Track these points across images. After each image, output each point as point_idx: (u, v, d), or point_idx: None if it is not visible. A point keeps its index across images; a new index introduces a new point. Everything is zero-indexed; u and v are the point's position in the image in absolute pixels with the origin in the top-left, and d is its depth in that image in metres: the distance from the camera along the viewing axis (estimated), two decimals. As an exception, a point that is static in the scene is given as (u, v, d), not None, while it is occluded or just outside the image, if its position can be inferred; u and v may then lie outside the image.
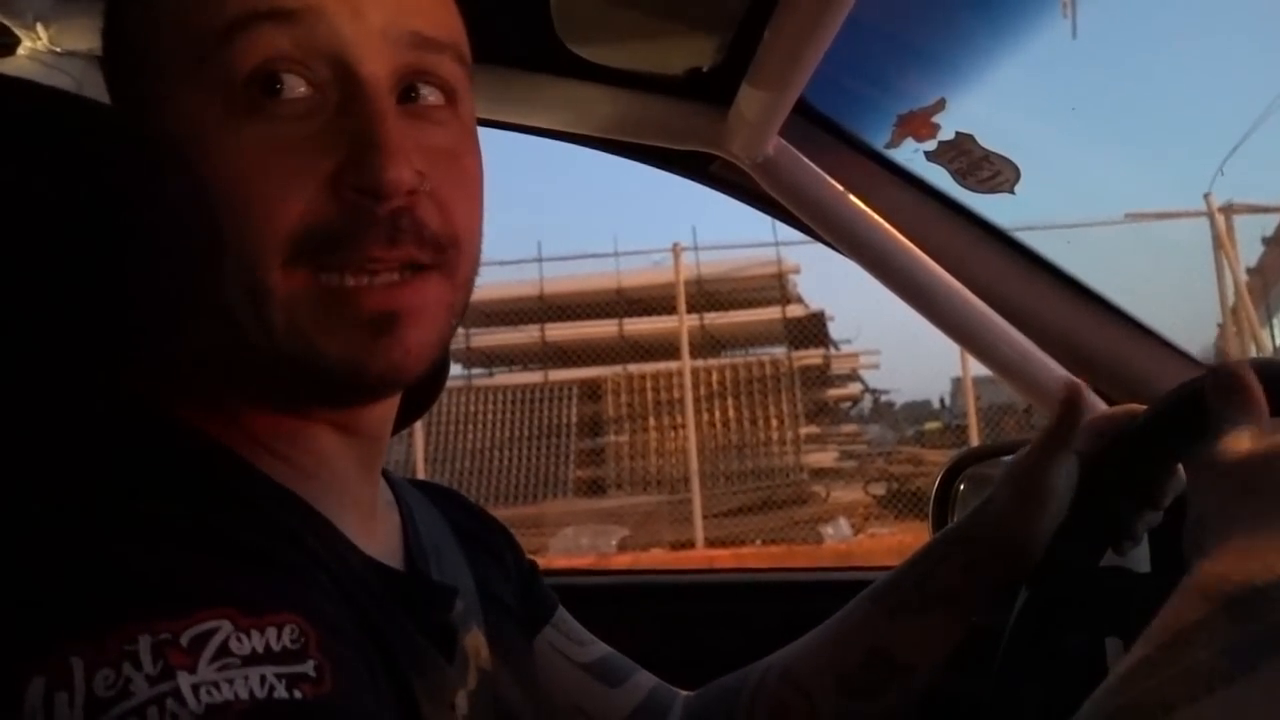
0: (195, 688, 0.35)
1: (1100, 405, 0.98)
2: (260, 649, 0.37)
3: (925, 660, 0.74)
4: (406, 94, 0.51)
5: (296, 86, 0.48)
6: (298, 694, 0.37)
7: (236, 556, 0.41)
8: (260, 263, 0.48)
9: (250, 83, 0.48)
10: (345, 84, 0.49)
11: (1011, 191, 0.95)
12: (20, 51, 0.92)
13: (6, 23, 0.89)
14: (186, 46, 0.49)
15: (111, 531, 0.40)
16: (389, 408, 0.59)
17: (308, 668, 0.38)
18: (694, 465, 8.55)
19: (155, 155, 0.46)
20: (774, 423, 9.59)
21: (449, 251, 0.52)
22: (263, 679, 0.37)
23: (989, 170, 0.94)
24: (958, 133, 0.94)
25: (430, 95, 0.52)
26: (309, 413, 0.54)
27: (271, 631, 0.38)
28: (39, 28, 0.89)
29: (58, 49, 0.90)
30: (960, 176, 0.96)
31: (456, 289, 0.53)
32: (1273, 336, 7.40)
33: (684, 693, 0.83)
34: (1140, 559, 0.77)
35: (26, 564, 0.39)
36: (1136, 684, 0.38)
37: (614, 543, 8.21)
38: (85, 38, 0.89)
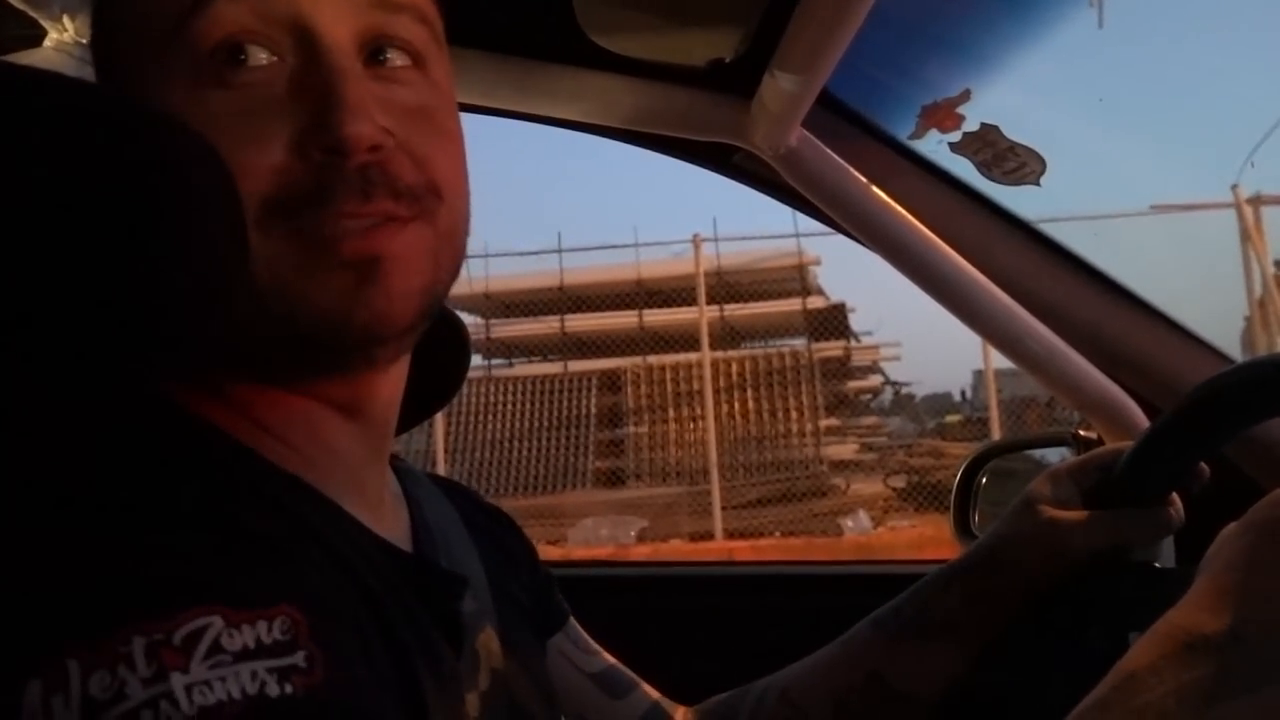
0: (189, 688, 0.36)
1: (1125, 400, 0.98)
2: (251, 644, 0.38)
3: (923, 689, 0.75)
4: (374, 57, 0.52)
5: (259, 55, 0.49)
6: (289, 688, 0.38)
7: (230, 545, 0.42)
8: None
9: (214, 55, 0.49)
10: (305, 48, 0.50)
11: (1037, 183, 0.94)
12: (46, 43, 0.92)
13: (34, 15, 0.89)
14: (154, 25, 0.50)
15: (106, 526, 0.40)
16: (393, 389, 0.58)
17: (298, 658, 0.38)
18: (713, 457, 8.55)
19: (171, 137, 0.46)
20: (794, 415, 9.57)
21: (427, 199, 0.52)
22: (254, 674, 0.37)
23: (1014, 162, 0.94)
24: (983, 124, 0.93)
25: (396, 58, 0.53)
26: (306, 389, 0.53)
27: (262, 625, 0.38)
28: (65, 20, 0.90)
29: (84, 40, 0.91)
30: (985, 168, 0.95)
31: (440, 237, 0.53)
32: (1301, 330, 7.31)
33: (682, 708, 0.83)
34: (1166, 554, 0.77)
35: (22, 563, 0.39)
36: None
37: (633, 534, 8.23)
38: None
